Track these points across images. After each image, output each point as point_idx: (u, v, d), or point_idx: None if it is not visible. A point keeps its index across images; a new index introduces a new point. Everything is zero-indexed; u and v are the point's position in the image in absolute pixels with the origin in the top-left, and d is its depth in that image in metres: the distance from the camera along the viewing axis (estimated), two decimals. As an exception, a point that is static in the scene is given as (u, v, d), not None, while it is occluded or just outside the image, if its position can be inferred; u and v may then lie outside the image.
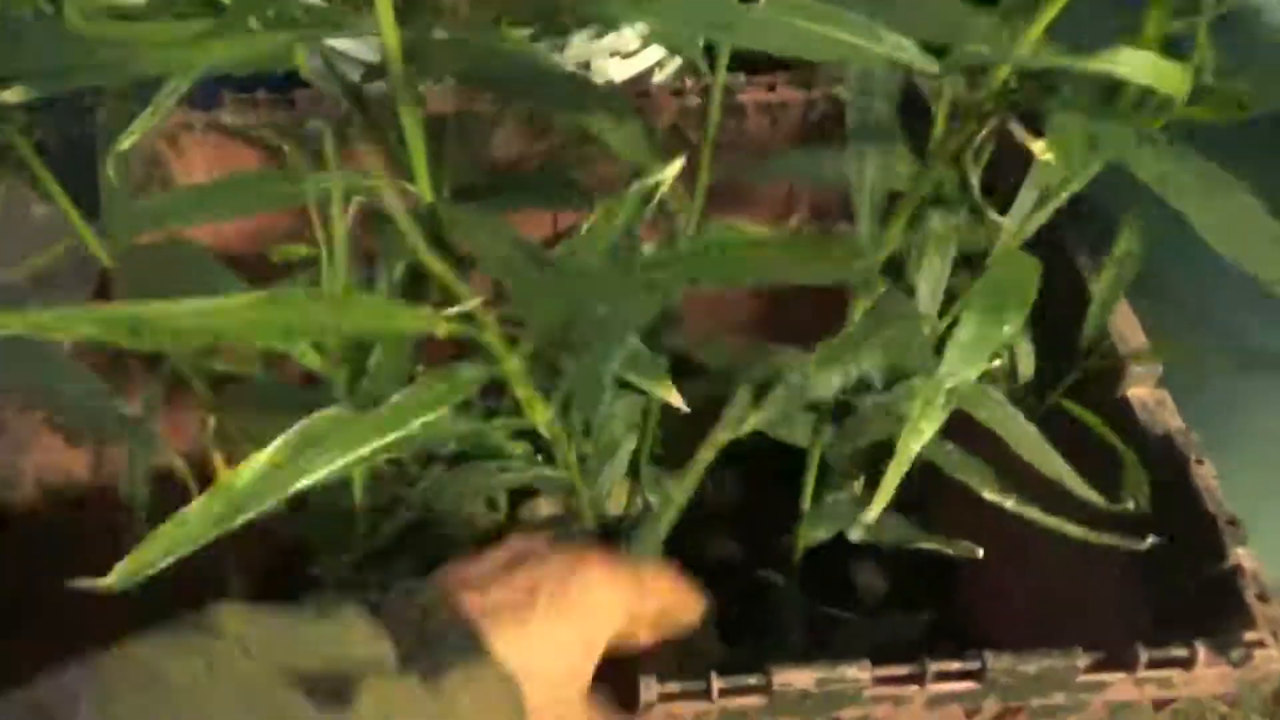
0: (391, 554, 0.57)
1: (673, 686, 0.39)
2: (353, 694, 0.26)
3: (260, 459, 0.29)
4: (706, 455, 0.47)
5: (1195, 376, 0.51)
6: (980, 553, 0.46)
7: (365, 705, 0.26)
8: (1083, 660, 0.38)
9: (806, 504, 0.53)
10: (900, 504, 0.53)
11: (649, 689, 0.39)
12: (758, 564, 0.67)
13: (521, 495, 0.74)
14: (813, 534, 0.55)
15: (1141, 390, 0.47)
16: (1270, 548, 0.42)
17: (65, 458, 0.52)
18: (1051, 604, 0.55)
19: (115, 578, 0.26)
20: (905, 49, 0.28)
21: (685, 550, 0.71)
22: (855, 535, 0.52)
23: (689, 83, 0.67)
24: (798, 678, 0.38)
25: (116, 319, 0.24)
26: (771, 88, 0.66)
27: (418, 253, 0.57)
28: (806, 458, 0.52)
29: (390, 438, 0.34)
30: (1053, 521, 0.41)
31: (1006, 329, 0.37)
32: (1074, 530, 0.40)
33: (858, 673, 0.38)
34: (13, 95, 0.38)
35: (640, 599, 0.39)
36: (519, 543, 0.38)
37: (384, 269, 0.55)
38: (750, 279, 0.55)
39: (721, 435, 0.46)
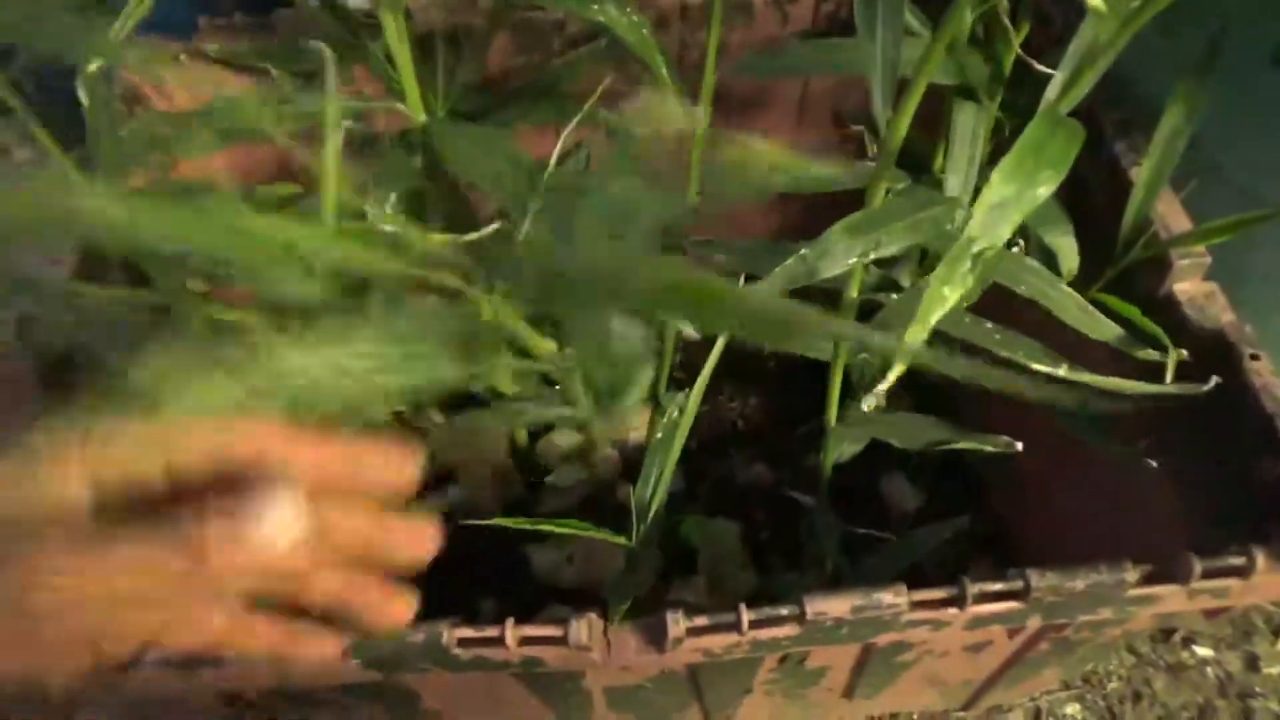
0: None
1: (701, 620, 0.37)
2: None
3: None
4: (713, 360, 0.44)
5: (1247, 263, 0.48)
6: (1019, 446, 0.43)
7: None
8: (1133, 574, 0.36)
9: (832, 418, 0.50)
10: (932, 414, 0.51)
11: (676, 624, 0.37)
12: (787, 486, 0.65)
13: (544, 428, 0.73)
14: (840, 447, 0.53)
15: (1189, 284, 0.44)
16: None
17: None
18: (1092, 514, 0.53)
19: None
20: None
21: (713, 475, 0.70)
22: (886, 436, 0.50)
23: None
24: (832, 606, 0.36)
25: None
26: (779, -20, 0.61)
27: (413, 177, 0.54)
28: (829, 372, 0.49)
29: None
30: (1110, 382, 0.39)
31: (1041, 190, 0.34)
32: (1132, 385, 0.38)
33: (894, 598, 0.36)
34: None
35: None
36: None
37: (377, 198, 0.52)
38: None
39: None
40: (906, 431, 0.50)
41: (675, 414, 0.49)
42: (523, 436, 0.70)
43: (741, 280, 0.48)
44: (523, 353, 0.52)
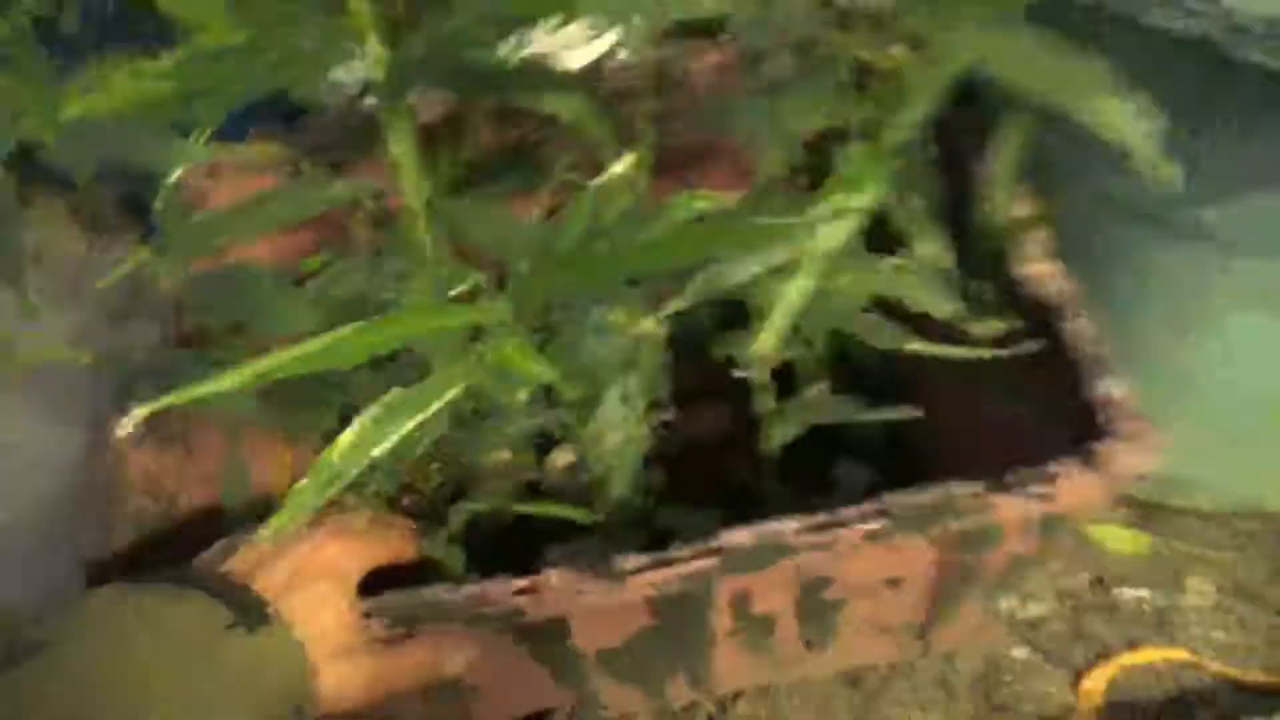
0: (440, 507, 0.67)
1: (642, 558, 0.48)
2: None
3: (347, 436, 0.38)
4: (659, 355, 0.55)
5: (1080, 234, 0.57)
6: (921, 413, 0.53)
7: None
8: (969, 487, 0.45)
9: (764, 405, 0.61)
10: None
11: (622, 562, 0.47)
12: (753, 480, 0.75)
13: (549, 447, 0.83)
14: (780, 429, 0.63)
15: (1034, 264, 0.54)
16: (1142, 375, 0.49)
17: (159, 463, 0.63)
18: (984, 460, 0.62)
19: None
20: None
21: (691, 474, 0.80)
22: (817, 415, 0.60)
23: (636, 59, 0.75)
24: (739, 537, 0.46)
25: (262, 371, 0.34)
26: (715, 48, 0.74)
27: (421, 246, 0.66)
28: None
29: (437, 405, 0.41)
30: (957, 351, 0.49)
31: (864, 201, 0.44)
32: (960, 352, 0.48)
33: (782, 525, 0.46)
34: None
35: (369, 547, 0.50)
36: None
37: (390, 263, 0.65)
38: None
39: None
40: (833, 408, 0.60)
41: (631, 413, 0.60)
42: (529, 458, 0.81)
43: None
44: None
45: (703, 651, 0.62)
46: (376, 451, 0.38)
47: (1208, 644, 0.69)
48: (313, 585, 0.45)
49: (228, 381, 0.33)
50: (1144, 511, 0.77)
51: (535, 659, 0.60)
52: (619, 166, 0.51)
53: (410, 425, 0.39)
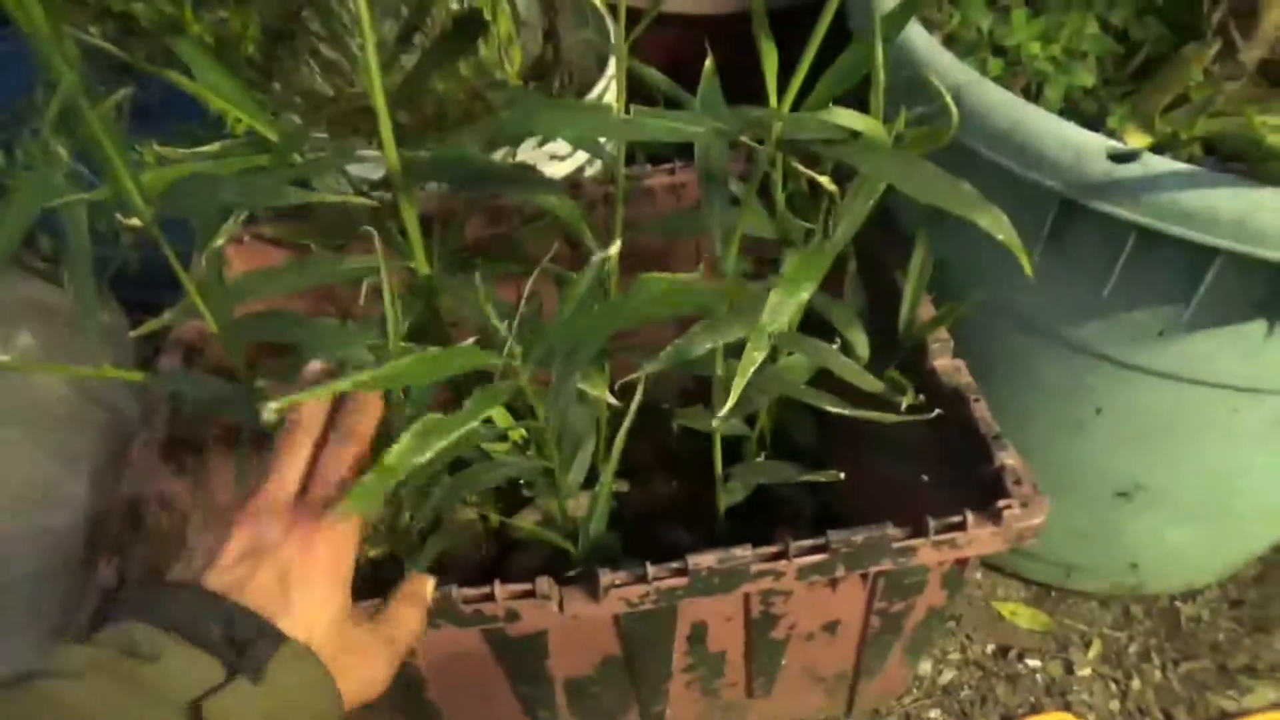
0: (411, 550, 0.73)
1: (621, 575, 0.56)
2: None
3: (397, 446, 0.46)
4: (622, 433, 0.64)
5: (975, 339, 0.69)
6: (841, 475, 0.62)
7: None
8: (893, 531, 0.55)
9: (719, 468, 0.70)
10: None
11: (605, 575, 0.55)
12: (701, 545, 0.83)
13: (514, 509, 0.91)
14: (730, 494, 0.72)
15: (943, 360, 0.65)
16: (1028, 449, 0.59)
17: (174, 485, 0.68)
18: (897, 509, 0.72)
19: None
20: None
21: (644, 540, 0.88)
22: (758, 476, 0.69)
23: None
24: (705, 559, 0.55)
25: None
26: (672, 171, 0.86)
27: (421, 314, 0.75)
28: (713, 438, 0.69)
29: (465, 428, 0.48)
30: (874, 415, 0.57)
31: (803, 294, 0.54)
32: (885, 416, 0.57)
33: (743, 551, 0.55)
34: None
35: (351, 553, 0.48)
36: (243, 533, 0.45)
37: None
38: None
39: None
40: (771, 471, 0.70)
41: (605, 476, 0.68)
42: (495, 520, 0.88)
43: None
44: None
45: (659, 687, 0.69)
46: (419, 459, 0.46)
47: (1096, 709, 0.79)
48: (311, 588, 0.45)
49: (339, 386, 0.41)
50: (1043, 592, 0.87)
51: (511, 679, 0.66)
52: (604, 254, 0.61)
53: (443, 442, 0.47)
